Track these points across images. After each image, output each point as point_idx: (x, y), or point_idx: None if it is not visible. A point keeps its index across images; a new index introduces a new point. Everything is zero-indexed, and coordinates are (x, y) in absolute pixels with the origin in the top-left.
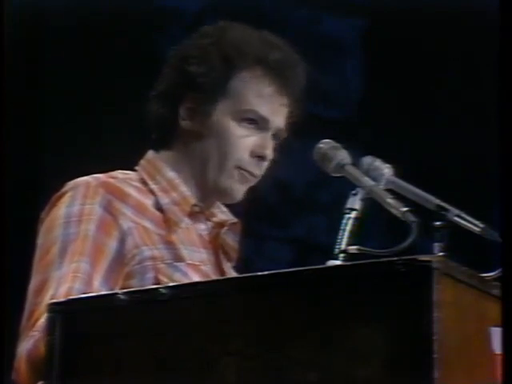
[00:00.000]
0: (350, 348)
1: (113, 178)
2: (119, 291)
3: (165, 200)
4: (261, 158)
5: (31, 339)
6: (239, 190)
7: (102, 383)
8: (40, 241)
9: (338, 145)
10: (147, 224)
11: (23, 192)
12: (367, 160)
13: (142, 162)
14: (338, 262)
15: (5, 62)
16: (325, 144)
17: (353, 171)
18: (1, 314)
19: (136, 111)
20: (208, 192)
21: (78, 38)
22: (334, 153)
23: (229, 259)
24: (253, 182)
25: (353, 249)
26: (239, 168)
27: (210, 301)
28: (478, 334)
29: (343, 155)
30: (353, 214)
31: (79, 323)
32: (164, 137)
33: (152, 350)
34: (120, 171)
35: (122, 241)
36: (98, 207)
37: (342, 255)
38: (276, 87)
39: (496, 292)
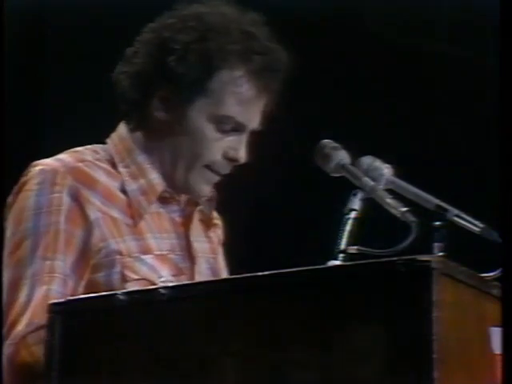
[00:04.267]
0: (350, 348)
1: (82, 161)
2: (119, 291)
3: (132, 186)
4: (233, 160)
5: (11, 347)
6: (205, 189)
7: (102, 383)
8: (9, 231)
9: (337, 145)
10: (115, 213)
11: None
12: (367, 160)
13: (114, 136)
14: (337, 262)
15: (5, 61)
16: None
17: (353, 171)
18: None
19: None
20: (176, 184)
21: (79, 38)
22: (333, 153)
23: (208, 228)
24: (217, 180)
25: (353, 249)
26: (208, 168)
27: (210, 301)
28: (477, 334)
29: (343, 155)
30: (353, 214)
31: (79, 323)
32: (136, 119)
33: (152, 350)
34: (89, 149)
35: (88, 232)
36: (65, 196)
37: (341, 255)
38: (256, 91)
39: (496, 292)
